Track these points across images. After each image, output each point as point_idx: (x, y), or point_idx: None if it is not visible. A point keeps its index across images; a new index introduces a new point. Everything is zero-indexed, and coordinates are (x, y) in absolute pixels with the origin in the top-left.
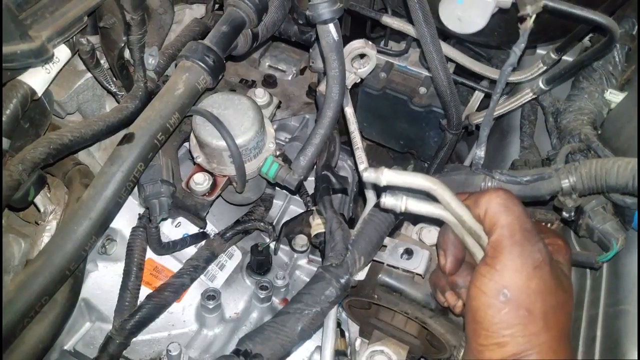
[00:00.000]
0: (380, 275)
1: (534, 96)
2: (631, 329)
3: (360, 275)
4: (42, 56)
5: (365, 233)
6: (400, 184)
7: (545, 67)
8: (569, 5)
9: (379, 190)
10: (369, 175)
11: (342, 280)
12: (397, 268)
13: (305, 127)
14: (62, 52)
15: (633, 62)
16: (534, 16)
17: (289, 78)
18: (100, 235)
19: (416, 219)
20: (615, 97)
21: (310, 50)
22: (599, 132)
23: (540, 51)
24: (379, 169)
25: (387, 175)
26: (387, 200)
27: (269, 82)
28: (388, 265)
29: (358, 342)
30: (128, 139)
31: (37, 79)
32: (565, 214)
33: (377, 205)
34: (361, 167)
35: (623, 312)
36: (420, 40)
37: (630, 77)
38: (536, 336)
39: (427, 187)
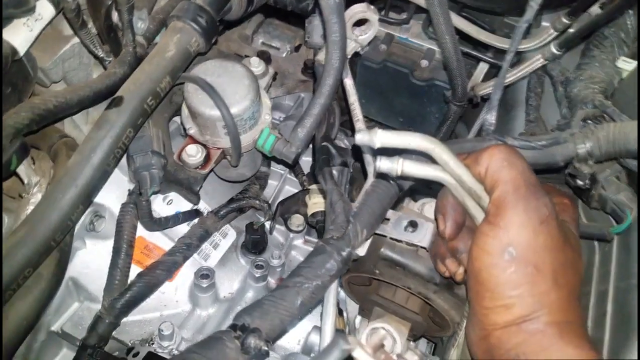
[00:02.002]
0: (382, 249)
1: (545, 62)
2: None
3: (361, 251)
4: (22, 6)
5: (368, 205)
6: (395, 145)
7: (556, 33)
8: None
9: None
10: (362, 137)
11: (344, 253)
12: (401, 241)
13: (300, 106)
14: (45, 9)
15: None
16: None
17: (283, 55)
18: (87, 205)
19: (416, 193)
20: (627, 65)
21: (306, 24)
22: (610, 102)
23: (545, 24)
24: (372, 129)
25: (381, 136)
26: (382, 164)
27: (263, 58)
28: (391, 238)
29: (358, 319)
30: (116, 102)
31: (18, 36)
32: (579, 182)
33: (380, 176)
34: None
35: (634, 286)
36: (428, 5)
37: None
38: (546, 295)
39: (424, 147)
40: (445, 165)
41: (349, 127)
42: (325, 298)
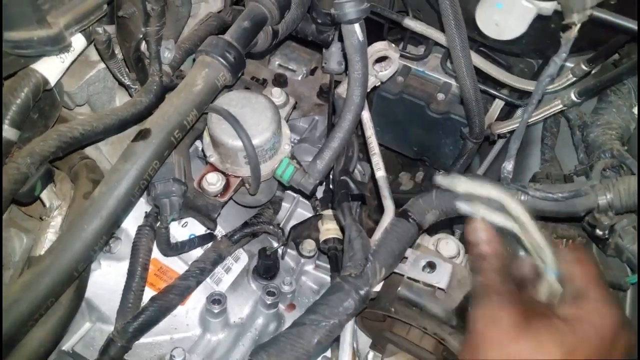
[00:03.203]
0: (400, 289)
1: (563, 108)
2: None
3: (376, 287)
4: (59, 44)
5: (387, 243)
6: (475, 193)
7: (574, 79)
8: (615, 16)
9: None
10: (443, 180)
11: (362, 292)
12: (418, 281)
13: (314, 129)
14: (78, 41)
15: None
16: (579, 25)
17: (299, 78)
18: (110, 235)
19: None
20: None
21: (324, 50)
22: (626, 147)
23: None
24: (454, 175)
25: (464, 184)
26: (463, 206)
27: (280, 81)
28: (408, 277)
29: (371, 355)
30: (143, 135)
31: (50, 68)
32: (599, 232)
33: (400, 215)
34: (378, 173)
35: None
36: (449, 44)
37: None
38: None
39: (500, 198)
40: (517, 218)
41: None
42: (341, 336)
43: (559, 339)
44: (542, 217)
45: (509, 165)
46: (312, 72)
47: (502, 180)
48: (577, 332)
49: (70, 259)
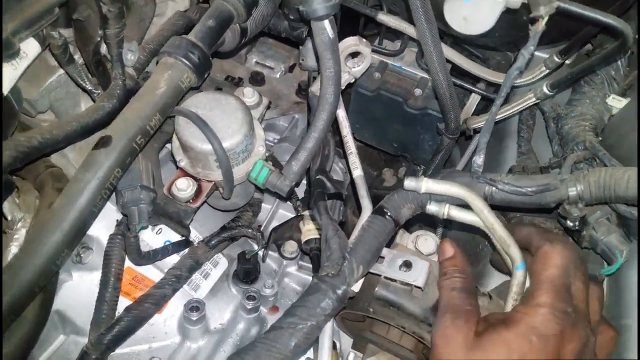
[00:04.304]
0: (377, 289)
1: (536, 101)
2: (632, 344)
3: (355, 288)
4: (7, 50)
5: (364, 241)
6: (439, 192)
7: (547, 71)
8: (582, 7)
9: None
10: (410, 183)
11: (339, 292)
12: (395, 280)
13: (294, 128)
14: (30, 47)
15: (635, 67)
16: (546, 18)
17: (277, 76)
18: (72, 249)
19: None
20: (617, 102)
21: (300, 47)
22: (600, 138)
23: (540, 54)
24: (419, 178)
25: (428, 184)
26: (431, 207)
27: (257, 79)
28: (385, 277)
29: (352, 356)
30: (104, 142)
31: (2, 76)
32: (569, 223)
33: (376, 212)
34: (355, 172)
35: (624, 327)
36: (420, 39)
37: (633, 82)
38: None
39: (464, 197)
40: (480, 213)
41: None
42: (320, 339)
43: (506, 351)
44: (514, 209)
45: (479, 159)
46: (291, 69)
47: (472, 173)
48: (524, 340)
49: (30, 276)
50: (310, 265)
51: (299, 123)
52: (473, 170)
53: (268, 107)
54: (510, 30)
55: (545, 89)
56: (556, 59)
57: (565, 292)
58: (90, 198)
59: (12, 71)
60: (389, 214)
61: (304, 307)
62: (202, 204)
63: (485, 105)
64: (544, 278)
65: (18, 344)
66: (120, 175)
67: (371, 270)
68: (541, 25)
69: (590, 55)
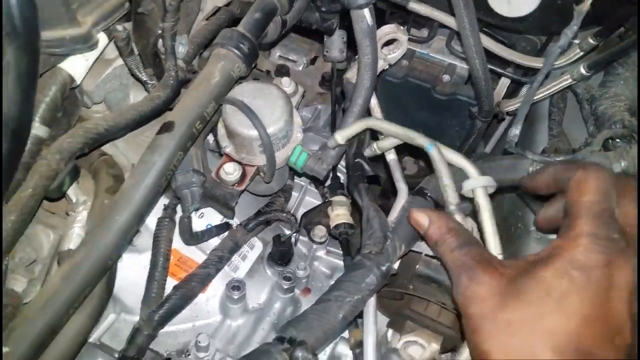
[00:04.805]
0: (418, 266)
1: (573, 82)
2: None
3: (394, 266)
4: (88, 42)
5: (406, 221)
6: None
7: (581, 53)
8: None
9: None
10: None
11: (383, 268)
12: (436, 258)
13: (317, 118)
14: (100, 40)
15: None
16: None
17: (300, 68)
18: (139, 225)
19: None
20: None
21: (325, 39)
22: (635, 118)
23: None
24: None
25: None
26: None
27: (282, 72)
28: (426, 255)
29: (390, 333)
30: (167, 127)
31: (76, 66)
32: None
33: (416, 192)
34: (389, 156)
35: None
36: (458, 25)
37: None
38: None
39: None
40: (387, 130)
41: None
42: (364, 314)
43: (544, 293)
44: None
45: (515, 130)
46: (313, 61)
47: (507, 144)
48: (563, 276)
49: (104, 250)
50: (338, 250)
51: (321, 114)
52: (508, 140)
53: (303, 96)
54: (544, 14)
55: (582, 70)
56: (591, 41)
57: (608, 217)
58: (157, 178)
59: (84, 62)
60: (429, 194)
61: (350, 281)
62: (246, 188)
63: (514, 88)
64: (581, 205)
65: (88, 317)
66: (182, 158)
67: (412, 249)
68: (587, 5)
69: (622, 38)
